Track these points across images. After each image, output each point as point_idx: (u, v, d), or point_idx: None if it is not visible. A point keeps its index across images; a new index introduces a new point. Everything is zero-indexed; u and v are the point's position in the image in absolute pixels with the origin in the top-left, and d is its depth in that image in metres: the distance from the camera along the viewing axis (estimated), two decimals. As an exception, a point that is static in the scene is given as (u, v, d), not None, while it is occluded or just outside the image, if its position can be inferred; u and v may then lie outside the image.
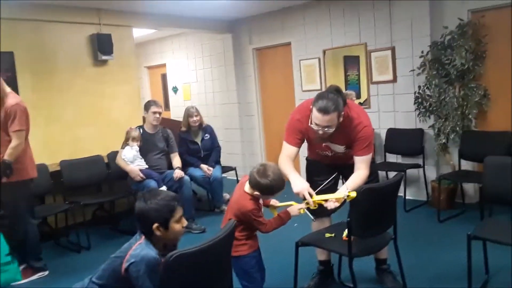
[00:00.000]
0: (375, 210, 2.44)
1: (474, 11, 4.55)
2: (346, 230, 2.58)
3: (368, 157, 2.68)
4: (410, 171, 4.92)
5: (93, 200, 4.52)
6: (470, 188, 4.78)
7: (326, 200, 2.51)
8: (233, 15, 6.41)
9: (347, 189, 2.48)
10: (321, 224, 2.95)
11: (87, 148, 5.02)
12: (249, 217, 2.45)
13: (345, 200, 2.47)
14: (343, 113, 2.56)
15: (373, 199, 2.39)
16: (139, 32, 7.12)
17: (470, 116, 4.46)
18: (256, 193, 2.45)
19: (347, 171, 2.76)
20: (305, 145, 2.96)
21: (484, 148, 4.29)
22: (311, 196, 2.52)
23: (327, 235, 2.73)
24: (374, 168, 2.89)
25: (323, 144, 2.79)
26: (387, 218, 2.58)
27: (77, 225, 4.28)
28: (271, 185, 2.40)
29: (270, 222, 2.53)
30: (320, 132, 2.55)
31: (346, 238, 2.55)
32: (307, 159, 3.09)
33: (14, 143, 3.32)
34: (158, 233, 1.91)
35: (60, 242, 4.43)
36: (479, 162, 4.50)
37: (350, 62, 5.58)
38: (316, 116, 2.51)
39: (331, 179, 2.73)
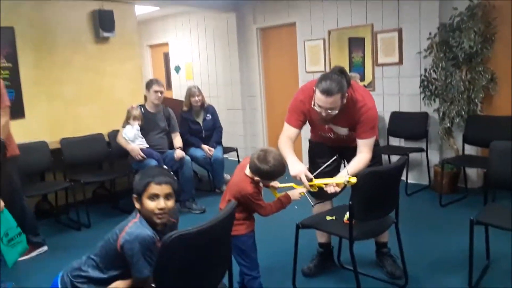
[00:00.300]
0: (377, 193, 2.40)
1: (484, -8, 4.44)
2: (347, 213, 2.57)
3: (371, 140, 2.64)
4: (412, 155, 4.88)
5: (94, 178, 4.50)
6: (473, 173, 4.74)
7: (326, 184, 2.49)
8: (237, -7, 6.29)
9: (348, 173, 2.45)
10: (322, 207, 2.93)
11: (88, 126, 4.98)
12: (249, 200, 2.43)
13: (345, 186, 2.44)
14: (347, 94, 2.50)
15: (376, 183, 2.36)
16: (142, 10, 7.01)
17: (476, 100, 4.39)
18: (258, 178, 2.43)
19: (349, 153, 2.72)
20: (307, 127, 2.92)
21: (489, 133, 4.23)
22: (310, 180, 2.48)
23: (328, 217, 2.71)
24: (377, 151, 2.85)
25: (326, 126, 2.75)
26: (389, 202, 2.55)
27: (77, 203, 4.26)
28: (271, 170, 2.38)
29: (269, 206, 2.51)
30: (323, 114, 2.50)
31: (347, 222, 2.53)
32: (309, 141, 3.05)
33: (3, 120, 3.26)
34: (137, 205, 1.94)
35: (60, 220, 4.44)
36: (484, 147, 4.44)
37: (355, 43, 5.48)
38: (319, 98, 2.45)
39: (333, 161, 2.69)
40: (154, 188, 1.90)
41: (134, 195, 1.93)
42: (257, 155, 2.41)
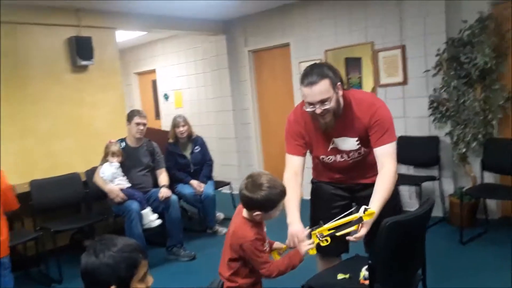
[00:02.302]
0: (403, 248, 1.92)
1: (495, 3, 4.06)
2: (364, 270, 2.08)
3: (392, 146, 2.14)
4: (424, 184, 4.37)
5: (66, 226, 3.94)
6: (491, 202, 4.26)
7: (337, 229, 1.95)
8: (226, 15, 5.91)
9: (365, 208, 1.93)
10: (329, 263, 2.42)
11: (65, 163, 4.51)
12: (251, 252, 1.90)
13: (361, 219, 1.90)
14: (339, 84, 2.10)
15: (401, 235, 1.87)
16: (127, 36, 6.64)
17: (493, 122, 3.94)
18: (257, 213, 1.90)
19: (364, 194, 2.23)
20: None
21: (510, 158, 3.81)
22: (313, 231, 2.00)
23: (340, 276, 2.20)
24: (395, 191, 2.37)
25: (329, 148, 2.27)
26: (417, 256, 2.06)
27: (49, 253, 3.73)
28: (269, 194, 1.87)
29: (276, 263, 1.98)
30: (318, 111, 2.07)
31: (364, 281, 2.05)
32: (312, 182, 2.56)
33: None
34: None
35: (30, 273, 3.89)
36: (505, 174, 4.00)
37: (352, 64, 5.08)
38: (306, 94, 2.07)
39: (346, 209, 2.18)
40: (144, 266, 1.43)
41: (113, 287, 1.34)
42: (245, 185, 1.90)
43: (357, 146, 2.24)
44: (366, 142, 2.23)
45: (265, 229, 2.03)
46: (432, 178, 4.35)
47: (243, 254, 1.94)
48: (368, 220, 1.91)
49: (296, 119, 2.31)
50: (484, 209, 4.10)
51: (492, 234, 3.88)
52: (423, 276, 2.16)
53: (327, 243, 1.98)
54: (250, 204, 1.91)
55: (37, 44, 4.54)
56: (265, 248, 1.99)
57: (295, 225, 2.05)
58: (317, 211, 2.42)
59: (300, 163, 2.29)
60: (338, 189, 2.41)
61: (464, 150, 4.04)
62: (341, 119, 2.16)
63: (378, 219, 2.00)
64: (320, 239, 1.97)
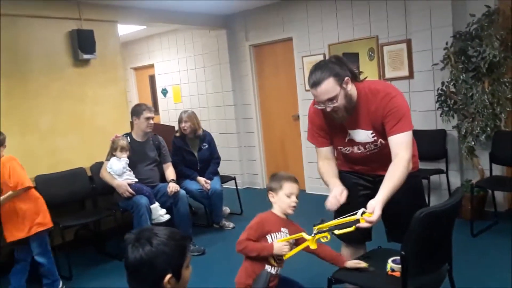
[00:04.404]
0: (434, 238, 1.91)
1: (502, -4, 4.08)
2: (390, 262, 2.08)
3: (407, 135, 2.10)
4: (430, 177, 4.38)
5: (75, 220, 3.88)
6: (499, 194, 4.28)
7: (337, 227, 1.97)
8: (227, 9, 5.86)
9: (376, 203, 1.93)
10: (354, 253, 2.41)
11: (67, 160, 4.42)
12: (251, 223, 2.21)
13: (357, 221, 1.90)
14: (347, 79, 2.09)
15: (433, 227, 1.86)
16: (124, 30, 6.54)
17: (502, 115, 3.96)
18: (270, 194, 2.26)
19: None
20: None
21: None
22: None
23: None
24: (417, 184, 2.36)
25: (346, 139, 2.29)
26: (445, 247, 2.05)
27: (55, 248, 3.66)
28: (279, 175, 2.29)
29: (250, 243, 2.15)
30: (328, 109, 2.10)
31: (392, 273, 2.04)
32: (339, 171, 2.55)
33: None
34: (168, 287, 1.34)
35: (37, 269, 3.82)
36: (514, 167, 4.03)
37: (350, 59, 5.04)
38: (313, 94, 2.13)
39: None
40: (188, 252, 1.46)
41: (169, 275, 1.33)
42: (271, 185, 2.28)
43: (373, 139, 2.24)
44: (382, 134, 2.21)
45: (286, 231, 2.21)
46: (439, 171, 4.35)
47: None
48: (379, 206, 1.91)
49: (315, 110, 2.33)
50: (493, 201, 4.11)
51: (501, 225, 3.90)
52: (450, 267, 2.15)
53: (327, 240, 2.04)
54: (277, 184, 2.24)
55: (38, 37, 4.43)
56: (255, 229, 2.18)
57: (337, 187, 2.21)
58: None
59: (329, 151, 2.39)
60: (360, 178, 2.41)
61: (472, 143, 4.05)
62: (355, 112, 2.17)
63: (399, 210, 2.01)
64: (314, 233, 2.02)
